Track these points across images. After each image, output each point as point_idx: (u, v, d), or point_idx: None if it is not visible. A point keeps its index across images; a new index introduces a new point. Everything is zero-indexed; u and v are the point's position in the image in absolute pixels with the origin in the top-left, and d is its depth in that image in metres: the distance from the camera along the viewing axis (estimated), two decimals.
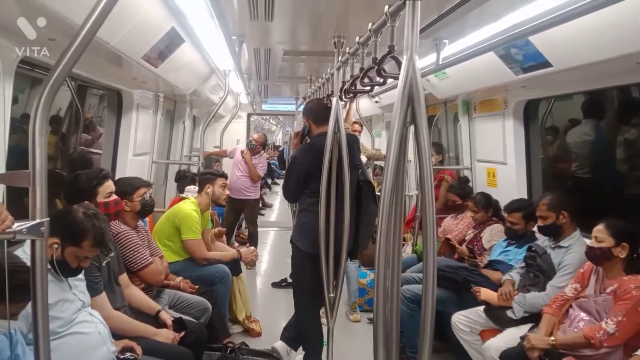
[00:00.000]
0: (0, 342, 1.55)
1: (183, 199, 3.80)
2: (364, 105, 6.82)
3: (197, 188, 3.88)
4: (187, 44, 3.08)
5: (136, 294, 2.64)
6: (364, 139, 6.81)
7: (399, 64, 1.36)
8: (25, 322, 1.68)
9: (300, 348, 3.10)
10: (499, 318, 2.77)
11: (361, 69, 2.07)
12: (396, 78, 1.30)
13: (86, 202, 2.26)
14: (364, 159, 4.80)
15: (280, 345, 3.10)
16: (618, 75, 2.60)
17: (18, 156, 2.34)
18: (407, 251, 4.63)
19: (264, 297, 4.74)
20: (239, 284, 3.77)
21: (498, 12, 2.32)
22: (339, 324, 3.37)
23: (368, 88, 2.28)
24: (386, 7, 1.54)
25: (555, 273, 2.69)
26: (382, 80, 1.88)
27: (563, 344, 2.33)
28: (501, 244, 3.31)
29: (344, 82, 2.46)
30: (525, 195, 3.60)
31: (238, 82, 5.22)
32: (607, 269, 2.36)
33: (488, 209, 3.60)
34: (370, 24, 1.81)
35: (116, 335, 2.18)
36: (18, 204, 1.99)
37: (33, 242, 1.08)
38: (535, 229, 3.08)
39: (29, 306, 1.25)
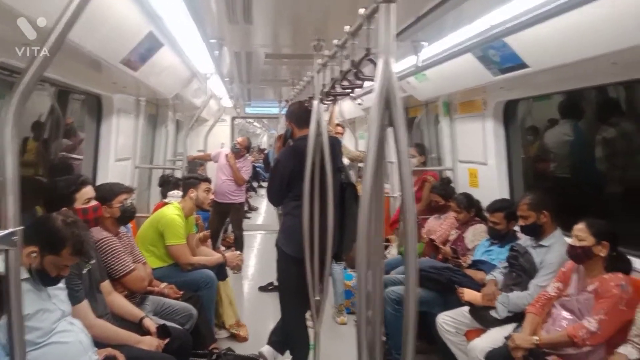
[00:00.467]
0: None
1: (167, 204, 3.76)
2: (348, 107, 6.84)
3: (180, 193, 3.85)
4: (166, 48, 3.05)
5: (119, 301, 2.61)
6: (347, 141, 6.86)
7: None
8: (3, 333, 1.65)
9: (288, 352, 3.09)
10: (483, 318, 2.79)
11: (341, 72, 2.08)
12: (373, 80, 1.30)
13: (64, 208, 2.23)
14: (346, 161, 4.82)
15: (267, 350, 3.08)
16: (595, 75, 2.63)
17: None
18: (393, 252, 4.65)
19: (251, 302, 4.71)
20: (226, 289, 3.74)
21: (475, 13, 2.34)
22: (326, 327, 3.36)
23: (348, 91, 2.29)
24: (362, 10, 1.55)
25: (537, 272, 2.72)
26: (361, 82, 1.89)
27: (547, 343, 2.35)
28: (484, 244, 3.33)
29: (324, 85, 2.47)
30: (506, 195, 3.62)
31: (220, 85, 5.20)
32: (588, 267, 2.38)
33: (470, 209, 3.63)
34: (347, 27, 1.81)
35: (99, 343, 2.16)
36: None
37: (6, 252, 1.06)
38: (517, 228, 3.11)
39: None
